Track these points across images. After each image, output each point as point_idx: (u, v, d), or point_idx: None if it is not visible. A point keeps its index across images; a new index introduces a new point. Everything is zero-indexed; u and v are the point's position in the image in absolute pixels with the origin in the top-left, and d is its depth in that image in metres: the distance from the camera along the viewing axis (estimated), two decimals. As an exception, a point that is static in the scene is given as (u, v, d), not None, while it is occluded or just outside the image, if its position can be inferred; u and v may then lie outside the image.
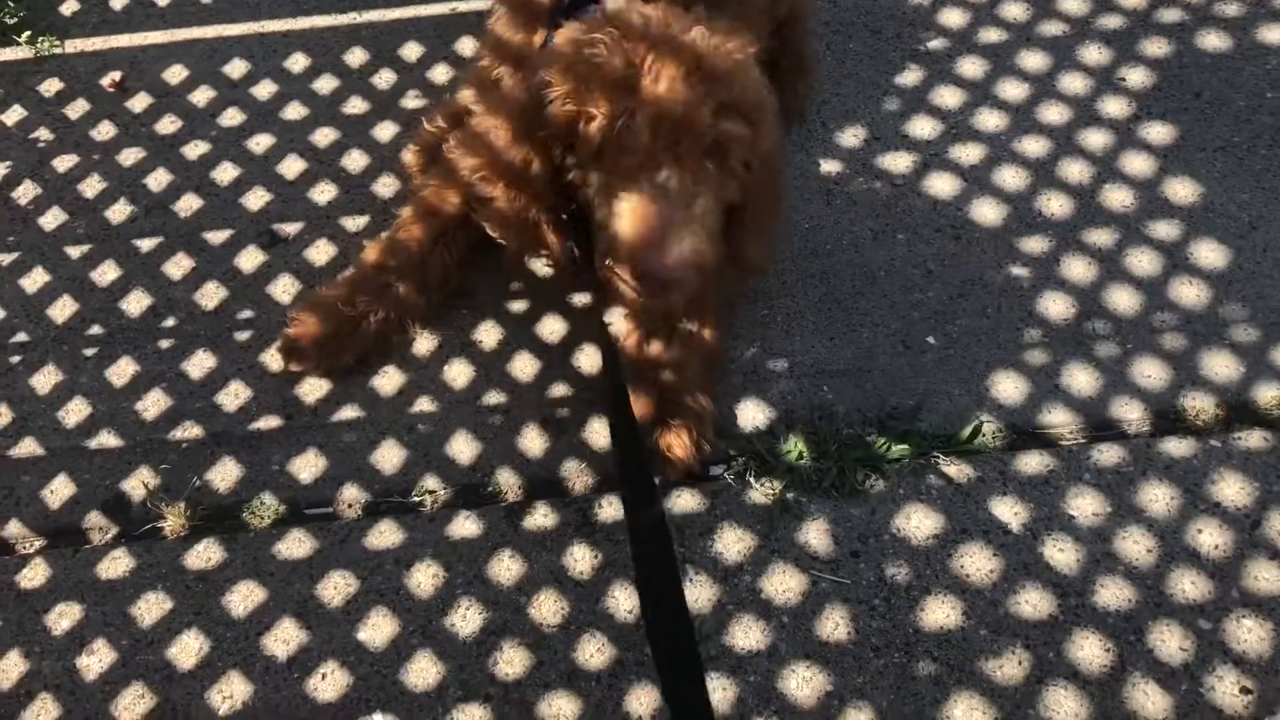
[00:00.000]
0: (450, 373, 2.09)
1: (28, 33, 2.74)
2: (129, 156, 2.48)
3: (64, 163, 2.48)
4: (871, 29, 2.62)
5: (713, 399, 1.97)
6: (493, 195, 1.97)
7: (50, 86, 2.65)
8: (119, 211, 2.38)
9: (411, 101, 2.55)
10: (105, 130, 2.54)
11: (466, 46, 2.66)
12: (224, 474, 1.97)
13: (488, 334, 2.14)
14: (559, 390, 2.06)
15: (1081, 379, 2.02)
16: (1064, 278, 2.16)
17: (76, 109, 2.60)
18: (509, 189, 1.94)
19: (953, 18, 2.63)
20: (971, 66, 2.53)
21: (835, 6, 2.67)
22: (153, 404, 2.07)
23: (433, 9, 2.77)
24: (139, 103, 2.60)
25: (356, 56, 2.66)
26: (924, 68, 2.53)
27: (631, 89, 1.61)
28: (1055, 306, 2.12)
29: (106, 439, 2.03)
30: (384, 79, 2.60)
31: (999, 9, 2.64)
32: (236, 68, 2.66)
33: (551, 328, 2.15)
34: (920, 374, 2.04)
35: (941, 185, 2.32)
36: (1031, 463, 1.91)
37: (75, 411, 2.06)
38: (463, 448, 1.99)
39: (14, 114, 2.59)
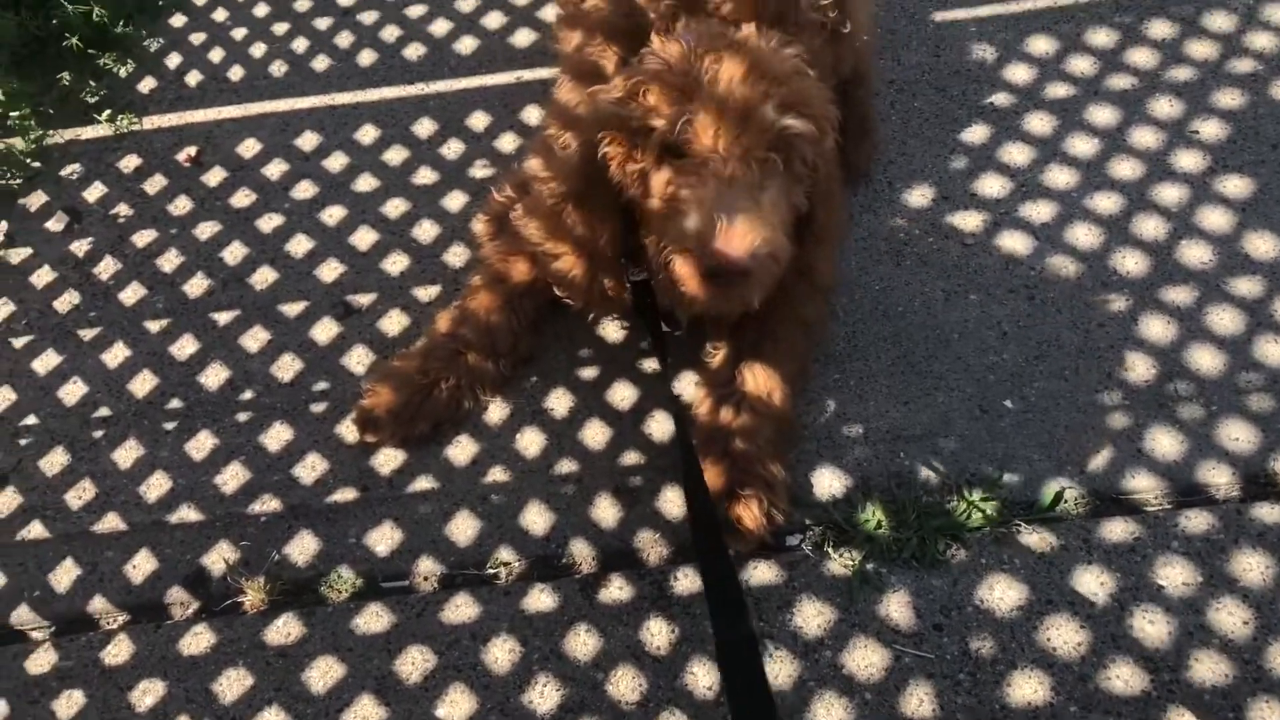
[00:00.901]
0: (522, 441, 2.09)
1: (108, 110, 2.83)
2: (205, 230, 2.54)
3: (143, 238, 2.54)
4: (936, 87, 2.60)
5: (785, 466, 1.94)
6: (558, 254, 2.00)
7: (129, 162, 2.72)
8: (196, 285, 2.43)
9: (480, 171, 2.58)
10: (182, 204, 2.60)
11: (533, 115, 2.68)
12: (302, 548, 1.99)
13: (558, 401, 2.15)
14: (631, 458, 2.06)
15: (1165, 442, 1.97)
16: (1143, 338, 2.11)
17: (154, 184, 2.66)
18: (572, 250, 1.96)
19: (1018, 73, 2.60)
20: (1039, 122, 2.50)
21: (899, 65, 2.66)
22: (232, 477, 2.09)
23: (498, 78, 2.80)
24: (214, 177, 2.66)
25: (425, 127, 2.70)
26: (991, 125, 2.51)
27: (691, 92, 1.66)
28: (1136, 368, 2.07)
29: (187, 513, 2.05)
30: (452, 149, 2.64)
31: (1065, 64, 2.61)
32: (308, 140, 2.71)
33: (622, 394, 2.15)
34: (998, 439, 2.00)
35: (1013, 244, 2.29)
36: (1116, 530, 1.86)
37: (156, 486, 2.10)
38: (536, 518, 1.99)
39: (95, 190, 2.66)
